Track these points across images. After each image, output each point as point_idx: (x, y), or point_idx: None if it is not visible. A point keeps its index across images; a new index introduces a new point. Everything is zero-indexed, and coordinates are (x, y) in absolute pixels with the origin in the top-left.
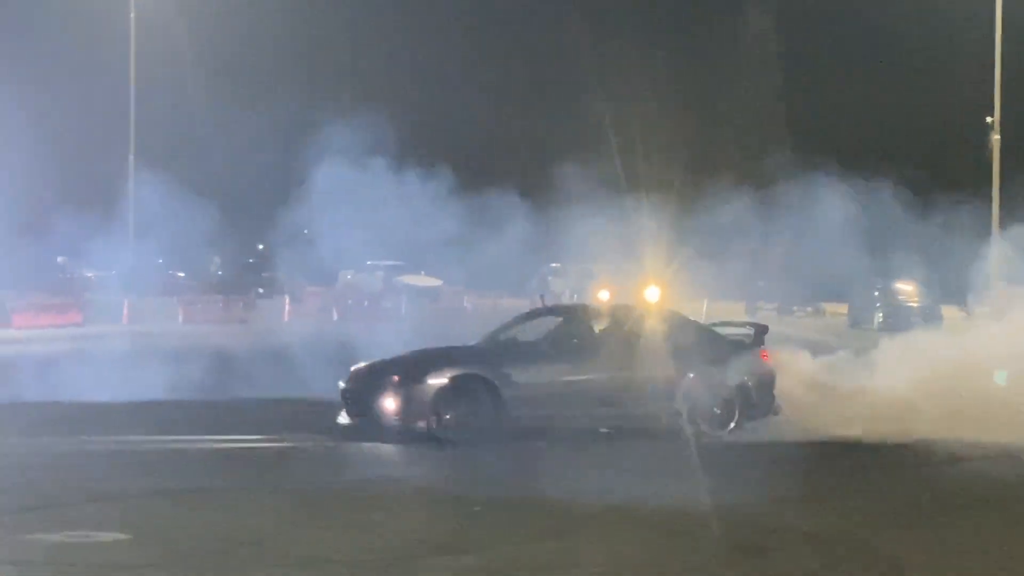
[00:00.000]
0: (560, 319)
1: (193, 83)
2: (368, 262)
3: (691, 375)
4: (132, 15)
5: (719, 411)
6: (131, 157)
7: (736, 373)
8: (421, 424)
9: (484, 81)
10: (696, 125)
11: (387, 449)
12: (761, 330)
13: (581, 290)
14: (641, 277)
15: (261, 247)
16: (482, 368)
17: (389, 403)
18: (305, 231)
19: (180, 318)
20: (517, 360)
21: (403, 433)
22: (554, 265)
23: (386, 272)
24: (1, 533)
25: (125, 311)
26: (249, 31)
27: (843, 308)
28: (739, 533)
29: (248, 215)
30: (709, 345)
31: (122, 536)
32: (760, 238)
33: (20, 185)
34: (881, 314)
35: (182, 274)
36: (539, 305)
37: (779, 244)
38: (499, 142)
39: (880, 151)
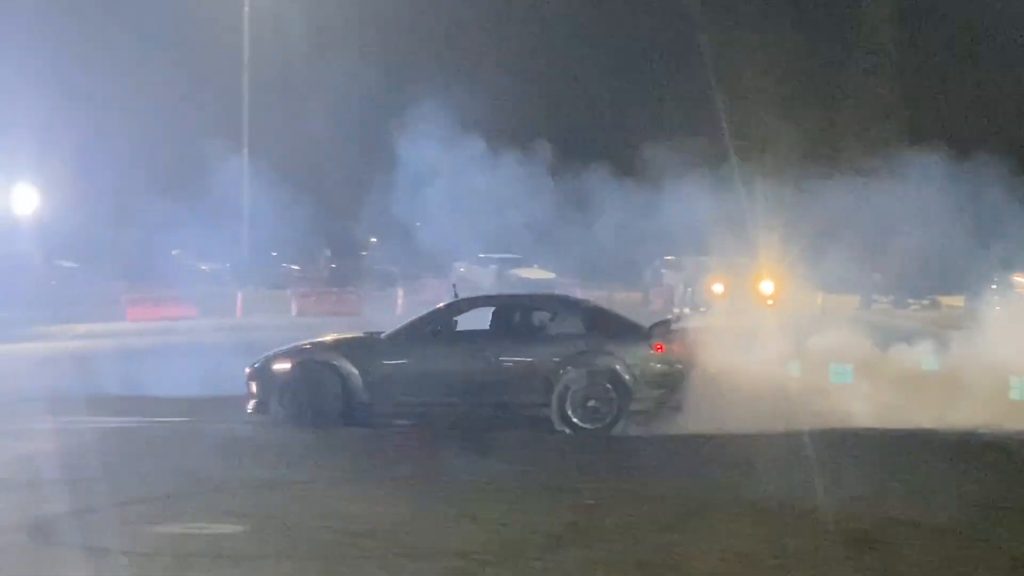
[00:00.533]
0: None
1: (301, 72)
2: (481, 255)
3: (567, 367)
4: (246, 8)
5: (596, 405)
6: (245, 150)
7: (620, 366)
8: (272, 408)
9: (596, 65)
10: (809, 111)
11: (501, 438)
12: (663, 324)
13: (695, 283)
14: (756, 270)
15: (374, 240)
16: (330, 356)
17: (251, 387)
18: (418, 223)
19: (294, 311)
20: (385, 349)
21: (261, 416)
22: (668, 258)
23: (499, 265)
24: (118, 525)
25: (239, 304)
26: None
27: (960, 301)
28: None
29: (359, 206)
30: (593, 337)
31: (239, 527)
32: (876, 230)
33: (135, 178)
34: (998, 308)
35: (296, 267)
36: (454, 295)
37: (895, 236)
38: (609, 128)
39: (999, 137)
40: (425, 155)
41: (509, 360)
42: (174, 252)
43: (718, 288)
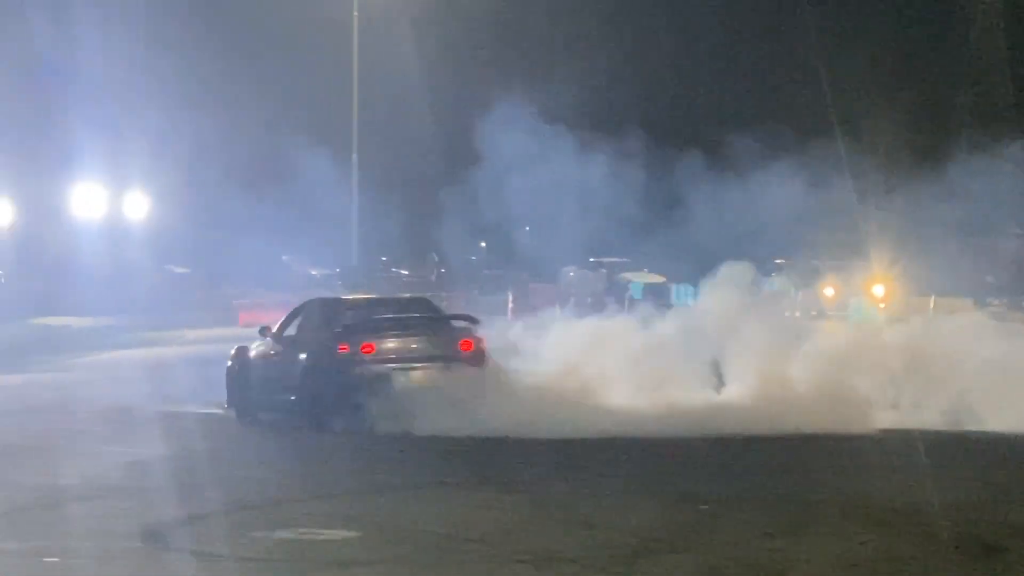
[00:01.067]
0: None
1: (406, 77)
2: (591, 259)
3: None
4: (355, 14)
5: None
6: (354, 156)
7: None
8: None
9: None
10: (920, 107)
11: (598, 444)
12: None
13: (807, 287)
14: (868, 274)
15: (483, 244)
16: (238, 356)
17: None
18: (527, 227)
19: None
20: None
21: None
22: (778, 261)
23: (609, 269)
24: (229, 531)
25: None
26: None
27: None
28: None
29: (467, 212)
30: None
31: (349, 533)
32: (989, 231)
33: (246, 184)
34: None
35: (405, 271)
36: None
37: (1009, 238)
38: (714, 128)
39: None
40: (533, 159)
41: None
42: (284, 258)
43: (829, 292)
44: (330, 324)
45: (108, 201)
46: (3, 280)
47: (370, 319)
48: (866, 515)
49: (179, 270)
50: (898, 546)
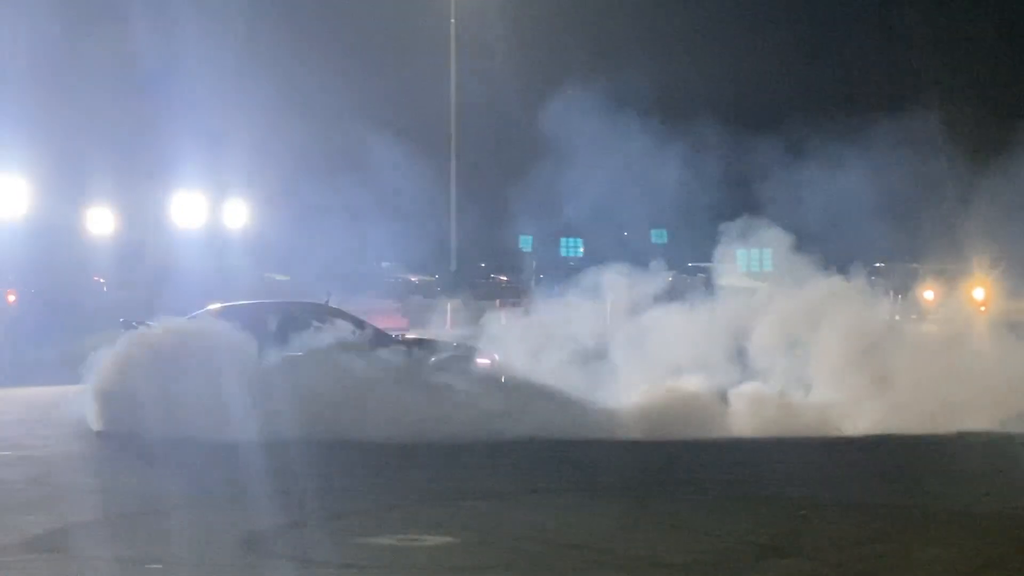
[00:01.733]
0: None
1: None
2: (689, 263)
3: None
4: (452, 20)
5: None
6: (452, 161)
7: None
8: None
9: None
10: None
11: (696, 445)
12: None
13: (905, 290)
14: (968, 277)
15: (582, 250)
16: None
17: None
18: (625, 233)
19: (503, 321)
20: None
21: None
22: (878, 265)
23: (707, 274)
24: (331, 537)
25: (448, 315)
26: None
27: None
28: None
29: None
30: None
31: (450, 539)
32: None
33: (345, 191)
34: None
35: (504, 278)
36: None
37: None
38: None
39: None
40: (631, 161)
41: None
42: (384, 264)
43: (929, 295)
44: None
45: (208, 209)
46: (105, 289)
47: None
48: (967, 521)
49: (279, 277)
50: (999, 552)
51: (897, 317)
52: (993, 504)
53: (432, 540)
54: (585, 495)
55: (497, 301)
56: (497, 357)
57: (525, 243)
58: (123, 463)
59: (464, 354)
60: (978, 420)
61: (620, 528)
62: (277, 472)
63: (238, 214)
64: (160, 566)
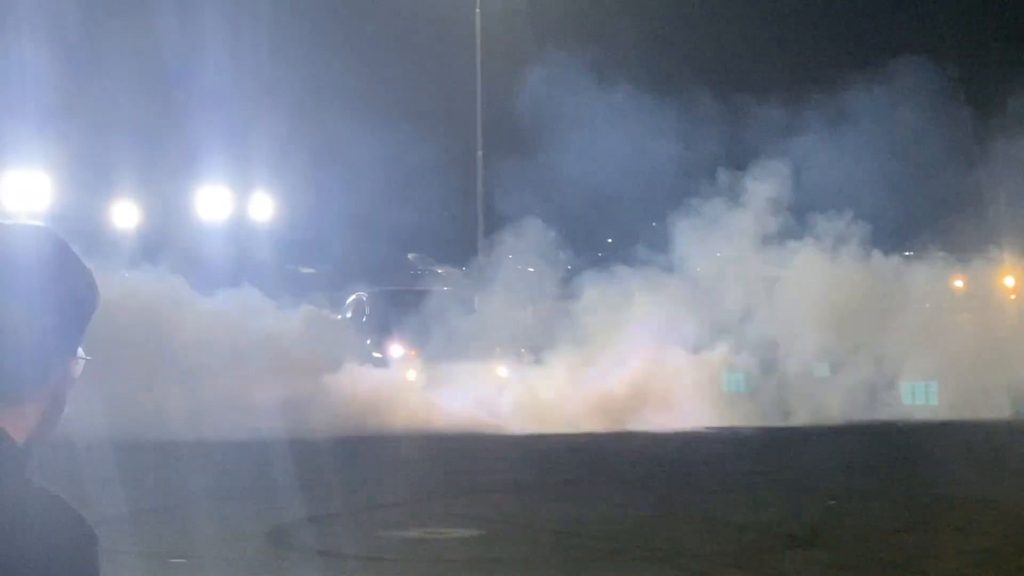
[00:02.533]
0: None
1: (528, 73)
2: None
3: None
4: (477, 10)
5: None
6: (480, 152)
7: None
8: None
9: None
10: None
11: (728, 437)
12: None
13: (936, 279)
14: (999, 265)
15: (609, 240)
16: None
17: None
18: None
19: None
20: None
21: None
22: (907, 254)
23: None
24: (357, 530)
25: (476, 307)
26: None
27: None
28: None
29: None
30: None
31: (476, 531)
32: None
33: (370, 181)
34: None
35: (531, 269)
36: None
37: None
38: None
39: None
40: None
41: None
42: (410, 256)
43: (959, 284)
44: None
45: (233, 202)
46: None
47: None
48: (997, 509)
49: (305, 270)
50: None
51: (928, 305)
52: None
53: (458, 532)
54: (609, 487)
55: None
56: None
57: None
58: (146, 459)
59: None
60: (1002, 407)
61: (646, 519)
62: (301, 466)
63: (264, 207)
64: (184, 560)
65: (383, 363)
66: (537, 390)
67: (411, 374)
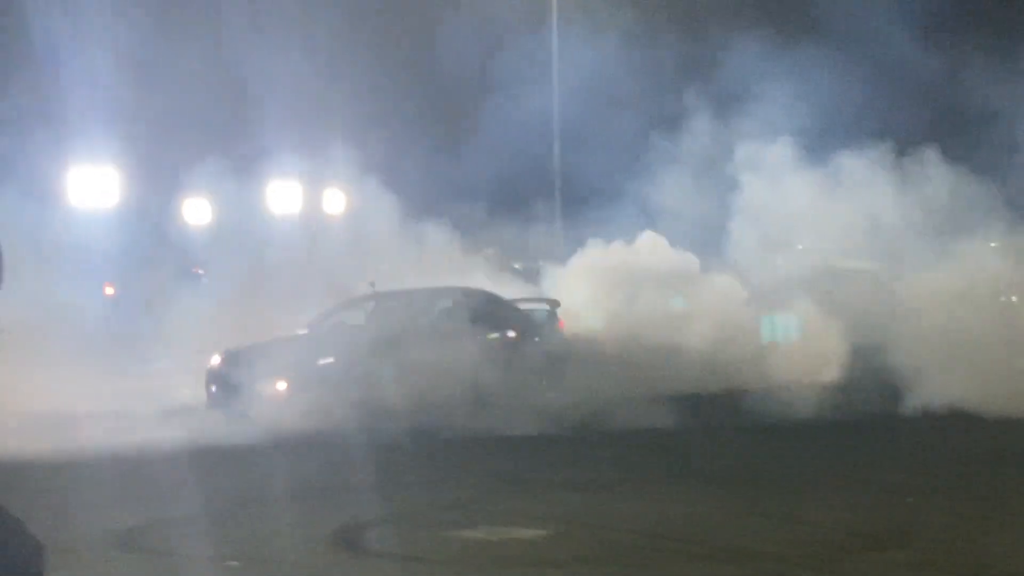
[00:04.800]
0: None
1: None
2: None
3: None
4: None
5: None
6: (556, 144)
7: None
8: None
9: None
10: None
11: (806, 429)
12: None
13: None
14: None
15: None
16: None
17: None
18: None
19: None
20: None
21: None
22: (993, 245)
23: None
24: (419, 530)
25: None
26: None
27: None
28: None
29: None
30: None
31: (542, 531)
32: None
33: (443, 175)
34: None
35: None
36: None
37: None
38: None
39: None
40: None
41: None
42: (488, 250)
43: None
44: None
45: (305, 197)
46: (205, 280)
47: None
48: None
49: (382, 266)
50: None
51: (1014, 298)
52: None
53: (523, 533)
54: (681, 485)
55: None
56: None
57: None
58: (219, 456)
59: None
60: None
61: (718, 518)
62: (363, 466)
63: (336, 201)
64: (238, 563)
65: None
66: None
67: None
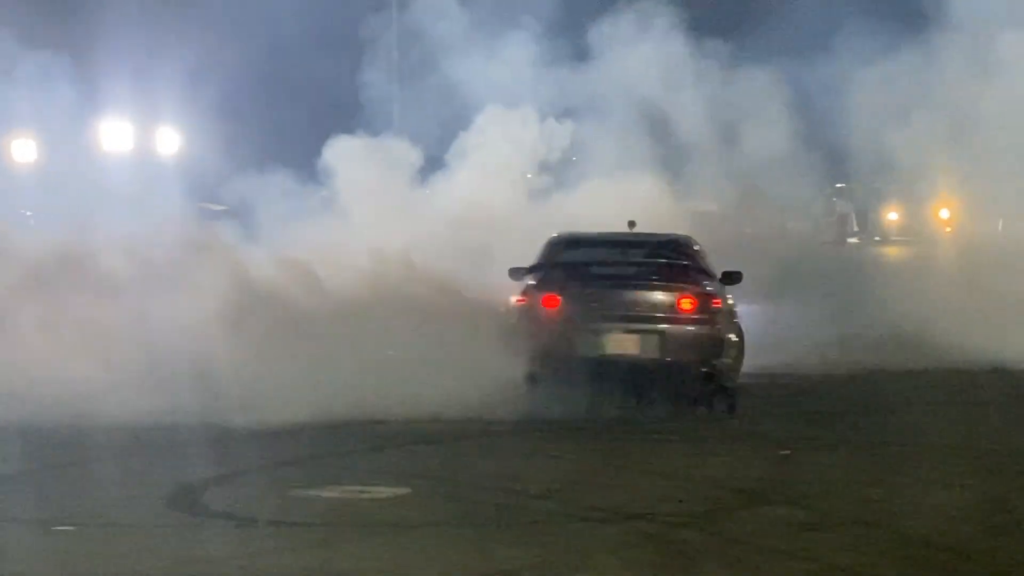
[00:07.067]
0: None
1: None
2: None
3: None
4: None
5: None
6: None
7: None
8: None
9: None
10: None
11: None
12: None
13: (869, 212)
14: (933, 196)
15: None
16: None
17: None
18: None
19: None
20: None
21: None
22: (839, 185)
23: None
24: (269, 490)
25: None
26: None
27: None
28: None
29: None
30: None
31: (401, 490)
32: None
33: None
34: None
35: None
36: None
37: None
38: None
39: None
40: None
41: None
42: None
43: (893, 216)
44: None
45: (137, 136)
46: (32, 222)
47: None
48: (967, 458)
49: (216, 207)
50: (1002, 490)
51: (856, 240)
52: (995, 439)
53: (380, 491)
54: (549, 438)
55: None
56: None
57: None
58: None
59: None
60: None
61: (588, 474)
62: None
63: (170, 141)
64: (72, 528)
65: None
66: None
67: None
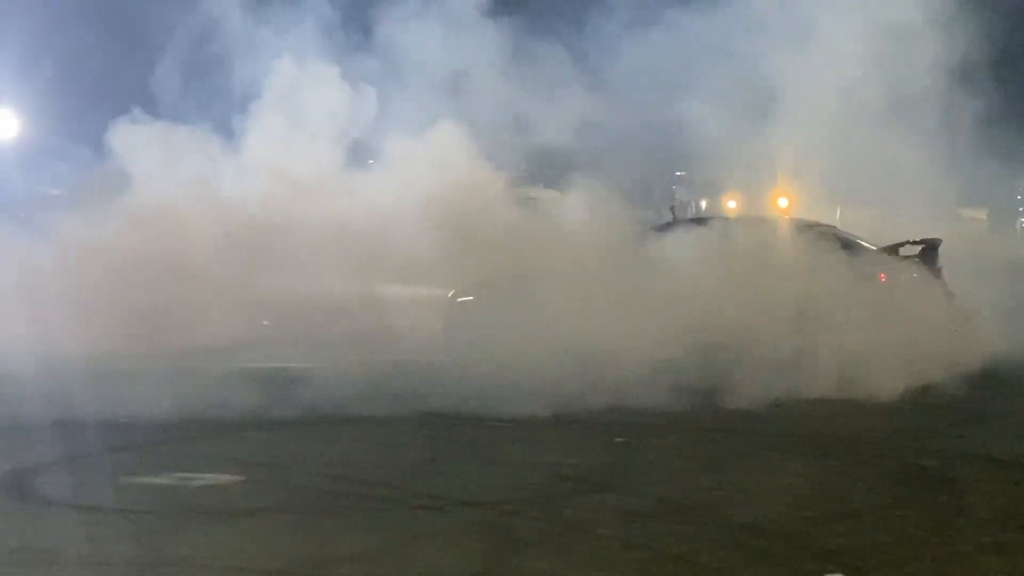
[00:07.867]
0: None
1: None
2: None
3: None
4: None
5: None
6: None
7: None
8: None
9: None
10: None
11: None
12: None
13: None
14: (772, 184)
15: None
16: None
17: None
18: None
19: None
20: None
21: None
22: (679, 174)
23: None
24: (95, 476)
25: None
26: None
27: (981, 214)
28: None
29: None
30: None
31: (233, 477)
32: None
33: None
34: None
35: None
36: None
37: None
38: None
39: None
40: None
41: None
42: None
43: (732, 205)
44: None
45: None
46: None
47: None
48: (801, 442)
49: (55, 192)
50: (838, 477)
51: None
52: (826, 426)
53: (212, 478)
54: (392, 425)
55: None
56: None
57: None
58: None
59: None
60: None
61: (422, 461)
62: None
63: (7, 124)
64: None
65: None
66: None
67: None
